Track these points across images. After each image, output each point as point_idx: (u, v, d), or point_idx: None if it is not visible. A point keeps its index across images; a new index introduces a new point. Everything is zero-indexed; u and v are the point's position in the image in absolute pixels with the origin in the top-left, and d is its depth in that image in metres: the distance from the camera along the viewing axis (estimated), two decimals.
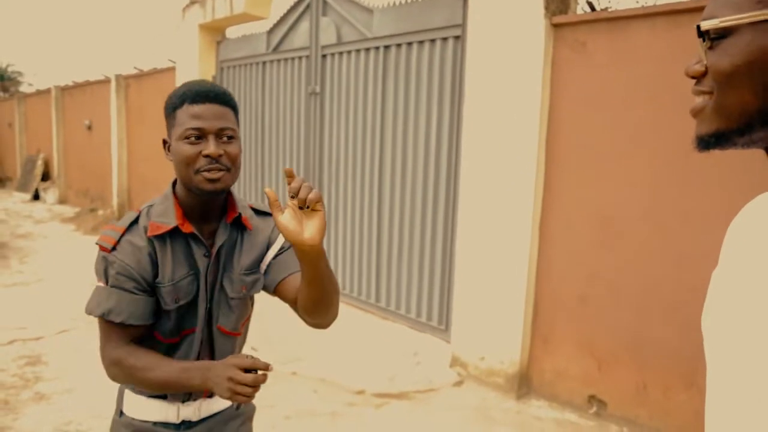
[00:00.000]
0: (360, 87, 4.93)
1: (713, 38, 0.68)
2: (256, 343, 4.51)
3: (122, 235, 1.36)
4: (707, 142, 0.72)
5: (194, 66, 6.81)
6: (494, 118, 3.69)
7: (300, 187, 1.13)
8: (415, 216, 4.56)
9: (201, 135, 1.30)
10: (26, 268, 6.75)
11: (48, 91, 12.97)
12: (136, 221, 1.39)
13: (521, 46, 3.52)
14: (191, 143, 1.30)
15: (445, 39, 4.20)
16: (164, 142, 1.40)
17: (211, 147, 1.28)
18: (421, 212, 4.50)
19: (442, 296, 4.37)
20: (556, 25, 3.45)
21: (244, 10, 6.14)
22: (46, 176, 13.43)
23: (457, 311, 4.04)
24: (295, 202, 1.13)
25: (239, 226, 1.47)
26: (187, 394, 1.48)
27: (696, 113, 0.73)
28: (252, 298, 1.59)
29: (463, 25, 4.01)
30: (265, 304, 5.52)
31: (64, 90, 12.21)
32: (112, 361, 1.36)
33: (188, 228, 1.37)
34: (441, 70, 4.24)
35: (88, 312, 1.38)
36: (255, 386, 1.17)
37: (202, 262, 1.40)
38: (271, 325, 4.88)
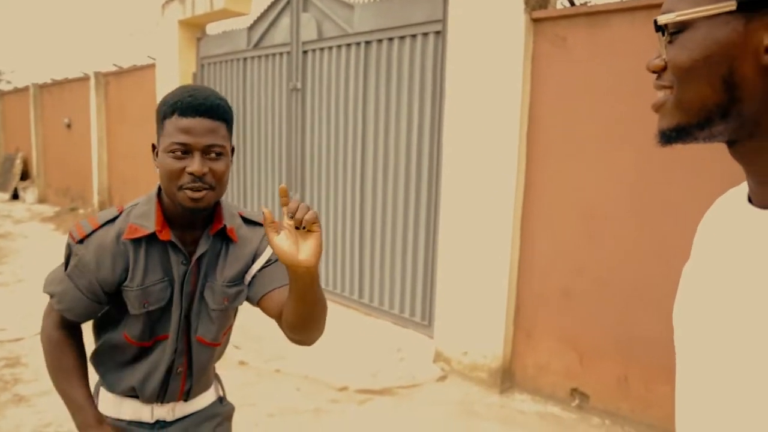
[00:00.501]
0: (341, 83, 4.92)
1: (672, 32, 0.68)
2: (239, 342, 4.49)
3: (94, 231, 1.34)
4: (669, 137, 0.72)
5: (174, 63, 6.75)
6: (475, 113, 3.69)
7: (297, 208, 1.09)
8: (397, 212, 4.55)
9: (187, 150, 1.24)
10: (6, 268, 6.65)
11: (26, 89, 12.78)
12: (113, 220, 1.35)
13: (501, 41, 3.52)
14: (176, 158, 1.24)
15: (425, 34, 4.19)
16: (153, 147, 1.35)
17: (195, 165, 1.24)
18: (403, 208, 4.50)
19: (425, 292, 4.37)
20: (536, 20, 3.46)
21: (224, 6, 6.09)
22: (25, 175, 13.24)
23: (440, 307, 4.04)
24: (292, 222, 1.09)
25: (224, 237, 1.42)
26: (162, 395, 1.46)
27: (657, 108, 0.74)
28: (235, 309, 1.55)
29: (443, 21, 4.01)
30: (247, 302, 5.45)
31: (42, 88, 12.04)
32: (47, 337, 1.40)
33: (166, 236, 1.33)
34: (422, 65, 4.24)
35: (43, 289, 1.42)
36: None
37: (178, 270, 1.36)
38: (253, 323, 4.85)
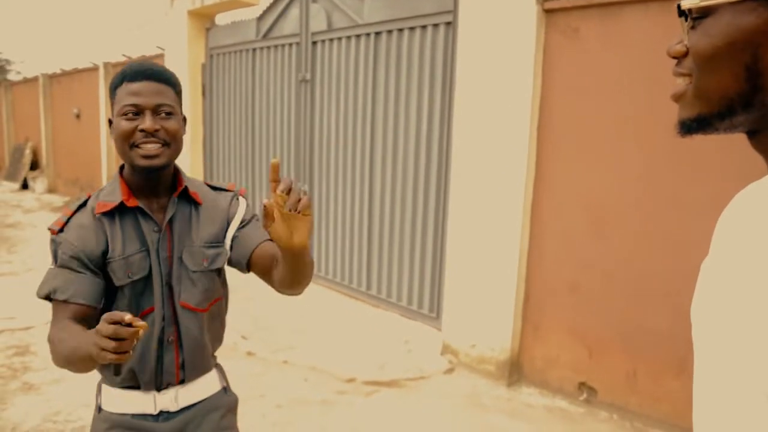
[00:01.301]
0: (351, 74, 4.89)
1: (695, 17, 0.66)
2: (247, 332, 4.50)
3: (70, 218, 1.40)
4: (689, 127, 0.70)
5: (183, 53, 6.74)
6: (486, 105, 3.66)
7: (290, 189, 1.12)
8: (406, 204, 4.54)
9: (138, 111, 1.33)
10: (15, 257, 6.69)
11: (36, 79, 12.82)
12: (84, 204, 1.43)
13: (513, 31, 3.49)
14: (128, 119, 1.33)
15: (436, 25, 4.16)
16: (109, 121, 1.41)
17: (147, 122, 1.32)
18: (412, 200, 4.48)
19: (433, 284, 4.37)
20: (548, 11, 3.42)
21: None
22: (34, 165, 13.30)
23: (448, 299, 4.03)
24: (282, 203, 1.11)
25: (190, 200, 1.49)
26: (159, 372, 1.46)
27: (677, 98, 0.72)
28: (223, 280, 1.58)
29: (454, 11, 3.98)
30: (255, 292, 5.50)
31: (52, 78, 12.07)
32: (48, 340, 1.35)
33: (133, 202, 1.40)
34: (432, 56, 4.21)
35: (37, 294, 1.39)
36: (117, 339, 1.04)
37: (151, 237, 1.42)
38: (261, 314, 4.86)
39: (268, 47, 5.79)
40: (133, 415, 1.47)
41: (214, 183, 1.58)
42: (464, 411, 3.40)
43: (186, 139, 5.72)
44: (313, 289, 5.36)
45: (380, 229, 4.79)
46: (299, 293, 1.45)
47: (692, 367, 0.75)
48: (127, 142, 1.34)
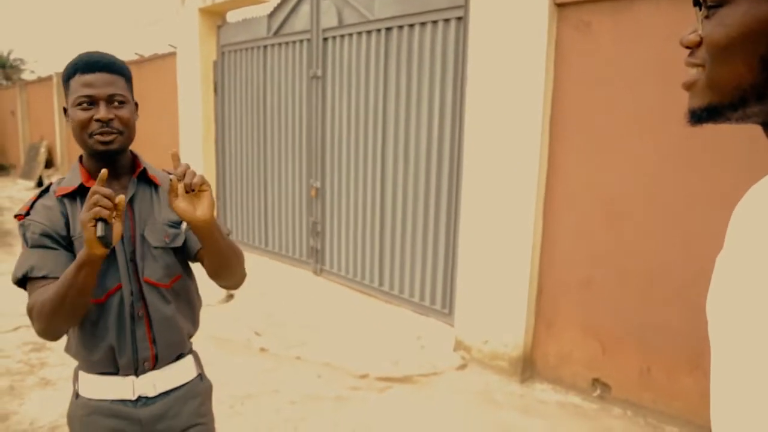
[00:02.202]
0: (362, 70, 4.89)
1: (710, 6, 0.65)
2: (260, 328, 4.52)
3: (35, 201, 1.49)
4: (699, 116, 0.70)
5: (195, 51, 6.76)
6: (497, 100, 3.65)
7: (185, 173, 1.33)
8: (418, 199, 4.53)
9: (92, 101, 1.40)
10: None
11: (49, 78, 12.93)
12: (47, 189, 1.52)
13: (524, 26, 3.47)
14: (84, 109, 1.40)
15: (447, 20, 4.15)
16: (64, 109, 1.47)
17: (101, 112, 1.40)
18: (424, 196, 4.47)
19: (446, 280, 4.36)
20: (559, 5, 3.40)
21: None
22: (49, 163, 13.43)
23: (461, 295, 4.03)
24: (182, 185, 1.33)
25: (150, 182, 1.56)
26: (134, 350, 1.48)
27: (689, 86, 0.71)
28: (185, 262, 1.61)
29: (465, 6, 3.96)
30: (268, 288, 5.52)
31: None
32: (29, 311, 1.39)
33: (92, 183, 1.46)
34: (443, 51, 4.19)
35: (13, 278, 1.42)
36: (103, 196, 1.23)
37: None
38: (274, 310, 4.89)
39: (279, 44, 5.79)
40: (112, 401, 1.49)
41: (167, 170, 1.62)
42: (477, 407, 3.40)
43: (198, 136, 5.73)
44: (325, 285, 5.38)
45: (392, 224, 4.79)
46: (233, 285, 1.61)
47: (706, 363, 0.75)
48: (84, 131, 1.41)
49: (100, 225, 1.23)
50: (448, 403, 3.44)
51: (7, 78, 21.31)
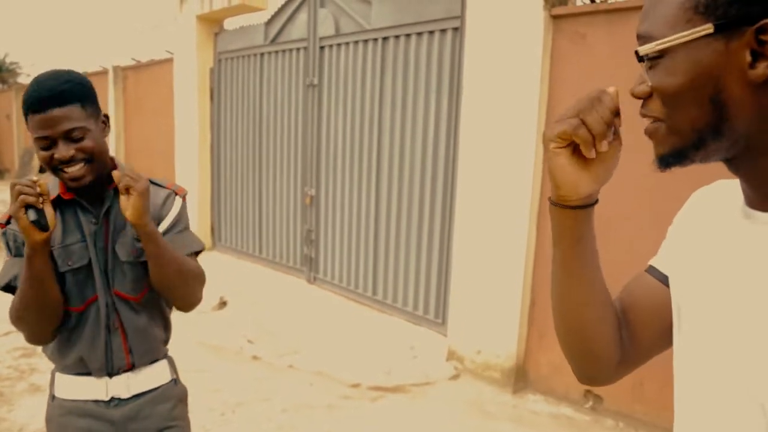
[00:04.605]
0: (358, 79, 4.90)
1: (651, 58, 0.68)
2: (253, 336, 4.51)
3: None
4: (667, 161, 0.72)
5: (192, 57, 6.77)
6: (493, 111, 3.66)
7: (120, 178, 1.36)
8: (412, 209, 4.54)
9: (51, 141, 1.36)
10: None
11: None
12: None
13: (520, 37, 3.49)
14: (44, 148, 1.38)
15: (443, 31, 4.17)
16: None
17: (60, 151, 1.37)
18: (418, 205, 4.48)
19: (439, 290, 4.36)
20: (555, 17, 3.42)
21: (241, 1, 6.10)
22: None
23: (454, 305, 4.03)
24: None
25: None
26: (109, 358, 1.51)
27: (651, 134, 0.73)
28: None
29: (461, 17, 3.98)
30: (261, 295, 5.50)
31: None
32: (10, 315, 1.45)
33: (69, 195, 1.48)
34: (439, 62, 4.21)
35: None
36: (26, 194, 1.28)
37: (89, 229, 1.50)
38: (267, 319, 4.87)
39: (276, 52, 5.81)
40: (85, 401, 1.53)
41: (156, 179, 1.59)
42: (469, 418, 3.39)
43: (193, 142, 5.73)
44: (319, 293, 5.37)
45: (386, 233, 4.79)
46: (180, 306, 1.56)
47: None
48: (50, 167, 1.40)
49: (30, 211, 1.28)
50: (441, 413, 3.43)
51: (3, 81, 21.27)
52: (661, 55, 0.67)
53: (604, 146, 0.74)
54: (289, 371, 3.97)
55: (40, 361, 4.00)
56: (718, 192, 0.83)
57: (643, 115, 0.73)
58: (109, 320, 1.52)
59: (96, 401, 1.53)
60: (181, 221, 1.57)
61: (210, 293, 5.73)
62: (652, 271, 0.90)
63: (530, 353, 3.71)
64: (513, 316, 3.65)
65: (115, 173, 1.39)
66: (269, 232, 6.14)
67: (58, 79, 1.37)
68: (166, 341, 1.66)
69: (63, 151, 1.36)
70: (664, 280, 0.85)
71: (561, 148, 0.75)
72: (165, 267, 1.43)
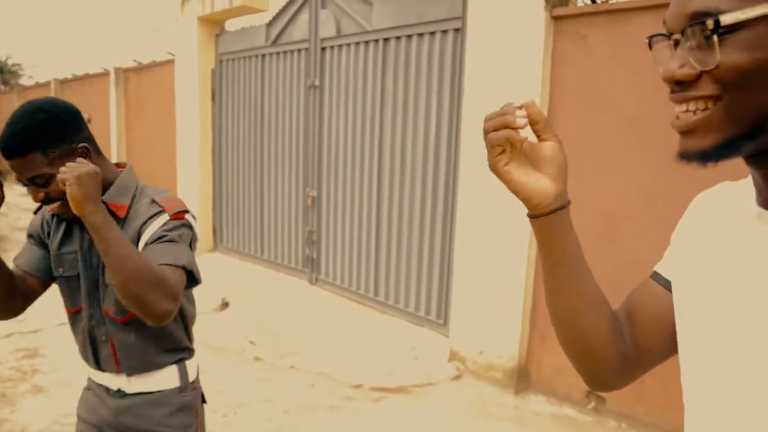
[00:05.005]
0: (359, 80, 4.91)
1: (721, 33, 0.60)
2: (255, 337, 4.51)
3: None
4: (716, 154, 0.65)
5: (193, 59, 6.78)
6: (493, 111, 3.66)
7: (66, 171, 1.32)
8: (414, 210, 4.54)
9: (25, 182, 1.43)
10: None
11: (47, 84, 12.93)
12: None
13: (521, 38, 3.50)
14: (24, 185, 1.46)
15: (444, 32, 4.17)
16: None
17: (32, 195, 1.45)
18: (420, 206, 4.48)
19: (441, 290, 4.36)
20: (556, 18, 3.43)
21: (243, 3, 6.10)
22: None
23: (456, 305, 4.03)
24: None
25: (113, 213, 1.51)
26: (97, 361, 1.60)
27: (693, 127, 0.66)
28: None
29: (463, 18, 3.99)
30: (263, 297, 5.50)
31: (63, 83, 12.18)
32: None
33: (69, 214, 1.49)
34: (441, 62, 4.22)
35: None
36: None
37: (83, 242, 1.54)
38: (269, 319, 4.87)
39: (278, 53, 5.81)
40: (99, 384, 1.63)
41: (157, 196, 1.54)
42: (471, 418, 3.39)
43: (195, 144, 5.73)
44: (320, 294, 5.37)
45: (388, 234, 4.79)
46: (139, 313, 1.34)
47: None
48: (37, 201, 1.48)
49: None
50: (443, 413, 3.43)
51: (5, 83, 21.30)
52: (731, 29, 0.59)
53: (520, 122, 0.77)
54: (291, 372, 3.97)
55: (43, 362, 4.01)
56: (723, 194, 0.78)
57: (689, 99, 0.65)
58: (94, 332, 1.56)
59: (104, 387, 1.61)
60: (165, 236, 1.46)
61: (212, 294, 5.75)
62: (656, 277, 0.88)
63: (532, 354, 3.71)
64: (515, 317, 3.65)
65: (59, 177, 1.29)
66: (271, 233, 6.15)
67: (18, 124, 1.37)
68: (173, 349, 1.62)
69: (33, 194, 1.44)
70: (668, 285, 0.84)
71: (506, 165, 0.80)
72: (114, 264, 1.29)
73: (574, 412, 3.46)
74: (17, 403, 3.44)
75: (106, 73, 9.89)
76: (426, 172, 4.40)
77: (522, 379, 3.72)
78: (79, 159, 1.36)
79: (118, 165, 1.64)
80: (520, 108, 0.77)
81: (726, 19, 0.59)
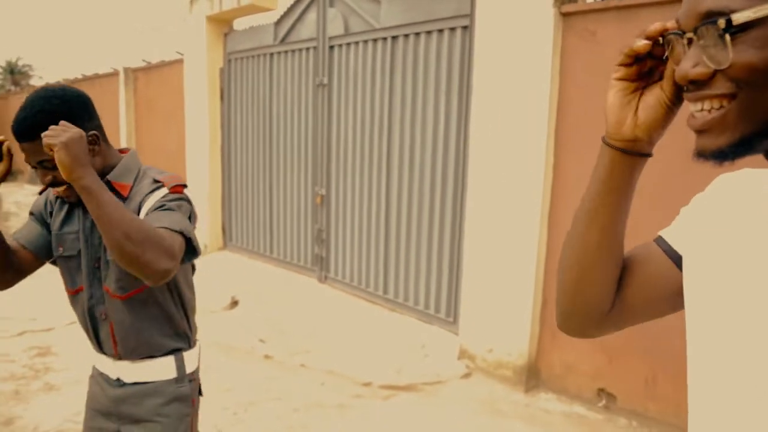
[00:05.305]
0: (368, 78, 4.90)
1: (734, 32, 0.61)
2: (264, 335, 4.52)
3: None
4: (733, 153, 0.66)
5: (202, 58, 6.80)
6: (503, 109, 3.65)
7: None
8: (423, 207, 4.53)
9: (34, 165, 1.47)
10: None
11: (57, 84, 13.01)
12: None
13: (530, 35, 3.48)
14: (34, 168, 1.50)
15: (453, 29, 4.16)
16: None
17: (40, 179, 1.49)
18: (429, 203, 4.48)
19: (450, 288, 4.35)
20: (565, 14, 3.41)
21: (251, 2, 6.11)
22: None
23: (465, 303, 4.02)
24: None
25: (116, 191, 1.56)
26: (97, 342, 1.64)
27: (709, 125, 0.66)
28: None
29: (471, 15, 3.97)
30: (272, 295, 5.51)
31: (73, 83, 12.25)
32: None
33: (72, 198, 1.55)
34: (449, 60, 4.20)
35: None
36: None
37: (85, 222, 1.57)
38: (279, 318, 4.88)
39: (286, 52, 5.82)
40: (101, 373, 1.68)
41: (160, 176, 1.58)
42: (481, 416, 3.38)
43: (204, 143, 5.75)
44: (330, 292, 5.38)
45: (397, 232, 4.79)
46: (137, 272, 1.33)
47: None
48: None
49: None
50: (452, 411, 3.43)
51: (16, 84, 21.48)
52: (744, 28, 0.60)
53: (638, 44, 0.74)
54: (301, 370, 3.98)
55: (55, 359, 4.04)
56: (747, 180, 0.77)
57: (707, 97, 0.65)
58: (94, 311, 1.60)
59: (106, 377, 1.66)
60: (164, 205, 1.48)
61: (221, 293, 5.78)
62: (660, 242, 0.88)
63: (542, 352, 3.70)
64: (525, 314, 3.64)
65: (44, 141, 1.30)
66: (280, 231, 6.16)
67: (32, 108, 1.42)
68: (173, 336, 1.64)
69: (41, 177, 1.49)
70: (670, 253, 0.84)
71: (617, 80, 0.78)
72: (107, 226, 1.28)
73: (585, 410, 3.45)
74: (30, 400, 3.46)
75: (115, 73, 9.94)
76: (435, 170, 4.39)
77: (532, 376, 3.71)
78: (71, 132, 1.33)
79: (122, 151, 1.68)
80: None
81: (738, 18, 0.60)
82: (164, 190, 1.53)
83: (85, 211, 1.56)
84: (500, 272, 3.75)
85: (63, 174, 1.29)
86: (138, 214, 1.51)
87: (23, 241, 1.62)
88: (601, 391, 3.44)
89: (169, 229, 1.41)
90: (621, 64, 0.77)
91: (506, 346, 3.75)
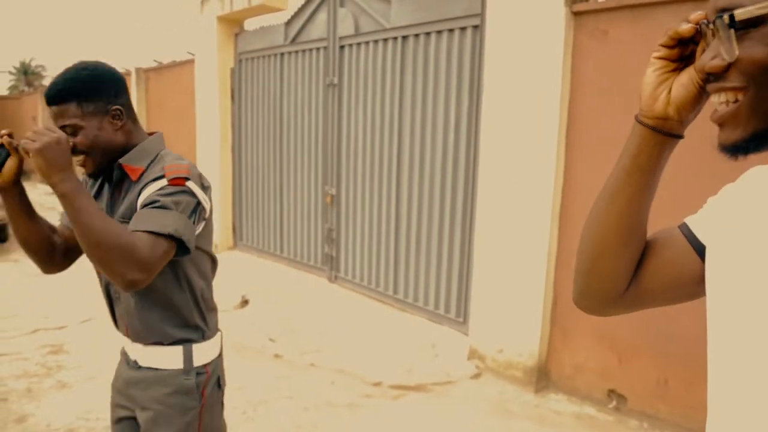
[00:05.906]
0: (378, 78, 4.91)
1: (740, 28, 0.62)
2: (275, 334, 4.54)
3: None
4: (746, 148, 0.67)
5: (213, 58, 6.83)
6: (513, 108, 3.64)
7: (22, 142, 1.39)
8: (433, 207, 4.53)
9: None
10: None
11: None
12: None
13: (541, 34, 3.47)
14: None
15: (463, 29, 4.15)
16: None
17: None
18: (439, 203, 4.47)
19: (460, 288, 4.35)
20: (576, 13, 3.39)
21: (262, 2, 6.13)
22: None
23: (475, 303, 4.01)
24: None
25: (125, 174, 1.58)
26: (114, 318, 1.68)
27: (724, 119, 0.67)
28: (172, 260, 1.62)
29: (481, 15, 3.96)
30: (282, 294, 5.53)
31: None
32: None
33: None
34: (459, 60, 4.20)
35: None
36: None
37: (106, 200, 1.61)
38: (289, 317, 4.90)
39: (296, 52, 5.83)
40: (124, 353, 1.71)
41: (170, 163, 1.53)
42: (491, 417, 3.37)
43: (215, 143, 5.77)
44: (340, 292, 5.38)
45: (407, 232, 4.79)
46: (102, 269, 1.35)
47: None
48: None
49: None
50: (462, 412, 3.42)
51: (29, 84, 21.66)
52: (754, 24, 0.61)
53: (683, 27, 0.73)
54: (311, 369, 3.99)
55: (68, 357, 4.08)
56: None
57: (721, 89, 0.67)
58: (110, 288, 1.64)
59: (127, 357, 1.69)
60: (157, 201, 1.44)
61: (232, 292, 5.79)
62: (684, 228, 0.88)
63: (553, 352, 3.69)
64: (535, 315, 3.63)
65: (21, 143, 1.38)
66: (290, 231, 6.18)
67: (65, 75, 1.49)
68: (181, 329, 1.61)
69: None
70: (693, 241, 0.84)
71: (657, 58, 0.78)
72: (81, 231, 1.32)
73: (595, 411, 3.43)
74: (42, 398, 3.49)
75: (126, 74, 10.00)
76: (445, 170, 4.39)
77: (542, 377, 3.70)
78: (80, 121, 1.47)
79: (150, 134, 1.68)
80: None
81: (741, 13, 0.61)
82: (163, 182, 1.48)
83: (110, 186, 1.61)
84: (510, 272, 3.74)
85: (42, 177, 1.34)
86: (137, 200, 1.50)
87: (66, 221, 1.66)
88: (611, 392, 3.42)
89: (153, 233, 1.38)
90: (663, 45, 0.77)
91: (516, 347, 3.74)
